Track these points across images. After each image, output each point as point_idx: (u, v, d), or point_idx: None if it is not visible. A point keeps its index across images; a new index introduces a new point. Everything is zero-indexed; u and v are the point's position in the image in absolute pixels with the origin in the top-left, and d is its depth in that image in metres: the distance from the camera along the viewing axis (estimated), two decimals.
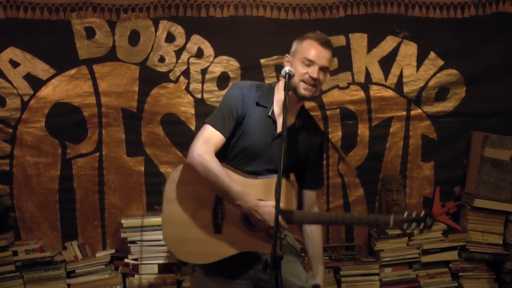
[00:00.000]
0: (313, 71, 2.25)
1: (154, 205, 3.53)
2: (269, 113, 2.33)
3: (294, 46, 2.35)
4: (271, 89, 2.39)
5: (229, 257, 2.28)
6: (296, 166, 2.44)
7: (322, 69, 2.28)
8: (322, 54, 2.27)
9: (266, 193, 2.27)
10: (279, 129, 2.33)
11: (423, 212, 2.29)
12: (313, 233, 2.51)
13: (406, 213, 2.29)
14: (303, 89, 2.28)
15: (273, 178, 2.24)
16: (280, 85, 2.36)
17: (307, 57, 2.26)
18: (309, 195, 2.52)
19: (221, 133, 2.28)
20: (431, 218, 2.29)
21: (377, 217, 2.36)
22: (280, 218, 2.16)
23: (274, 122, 2.33)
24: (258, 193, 2.26)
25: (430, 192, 3.75)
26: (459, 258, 3.62)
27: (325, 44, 2.28)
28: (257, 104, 2.34)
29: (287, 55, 2.37)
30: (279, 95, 2.35)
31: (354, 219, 2.38)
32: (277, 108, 2.35)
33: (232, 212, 2.28)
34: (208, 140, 2.27)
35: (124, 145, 3.55)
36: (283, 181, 2.21)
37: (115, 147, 3.54)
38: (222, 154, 2.34)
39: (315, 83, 2.27)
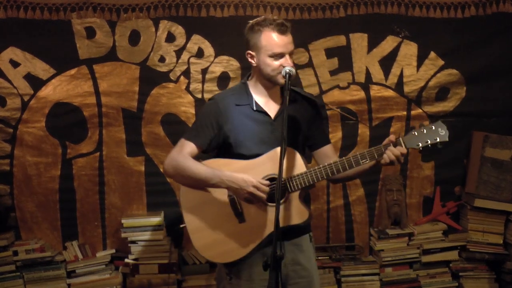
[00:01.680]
0: (286, 61, 2.26)
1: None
2: (254, 108, 2.34)
3: (251, 40, 2.31)
4: (244, 86, 2.41)
5: (261, 253, 2.26)
6: (302, 139, 2.43)
7: (291, 53, 2.29)
8: (286, 41, 2.26)
9: (272, 166, 2.27)
10: (271, 114, 2.35)
11: (429, 123, 2.23)
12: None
13: (413, 131, 2.22)
14: (282, 79, 2.27)
15: (274, 150, 2.26)
16: (251, 79, 2.40)
17: (275, 51, 2.25)
18: (322, 153, 2.47)
19: (194, 143, 2.33)
20: (443, 125, 2.22)
21: (380, 147, 2.21)
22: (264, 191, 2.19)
23: (262, 112, 2.34)
24: (267, 169, 2.27)
25: (431, 192, 3.75)
26: (460, 258, 3.63)
27: (284, 30, 2.26)
28: (238, 105, 2.35)
29: (248, 51, 2.34)
30: (255, 88, 2.38)
31: (362, 155, 2.22)
32: (258, 98, 2.37)
33: None
34: (179, 148, 2.34)
35: (124, 145, 3.55)
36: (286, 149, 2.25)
37: (115, 147, 3.54)
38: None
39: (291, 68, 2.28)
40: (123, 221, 3.41)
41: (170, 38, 3.52)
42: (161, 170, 3.55)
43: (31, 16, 3.41)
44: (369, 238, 3.73)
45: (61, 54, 3.45)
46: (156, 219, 3.43)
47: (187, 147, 2.33)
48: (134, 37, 3.49)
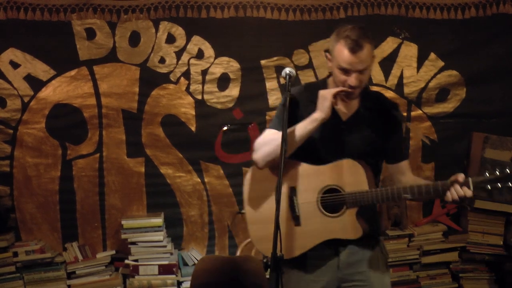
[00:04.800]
0: (351, 80, 2.23)
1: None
2: None
3: (331, 44, 2.29)
4: (323, 85, 2.38)
5: (318, 253, 2.27)
6: (372, 149, 2.36)
7: (360, 71, 2.24)
8: (356, 60, 2.21)
9: (335, 177, 2.27)
10: (342, 116, 2.32)
11: (507, 169, 2.12)
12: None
13: (486, 172, 2.16)
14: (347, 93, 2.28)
15: (341, 161, 2.27)
16: (331, 80, 2.35)
17: (341, 66, 2.22)
18: (396, 169, 2.42)
19: (277, 130, 2.28)
20: None
21: (447, 183, 2.14)
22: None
23: (334, 113, 2.31)
24: (326, 179, 2.27)
25: None
26: (460, 259, 3.63)
27: (357, 48, 2.20)
28: (312, 101, 2.30)
29: (327, 53, 2.33)
30: (332, 88, 2.32)
31: (427, 188, 2.19)
32: (333, 100, 2.32)
33: (308, 201, 2.28)
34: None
35: (124, 146, 3.55)
36: (350, 162, 2.26)
37: (115, 148, 3.54)
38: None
39: (356, 87, 2.26)
40: (123, 222, 3.41)
41: (170, 39, 3.52)
42: (161, 171, 3.57)
43: (31, 17, 3.42)
44: None
45: (61, 55, 3.46)
46: (156, 220, 3.43)
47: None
48: (134, 38, 3.49)
